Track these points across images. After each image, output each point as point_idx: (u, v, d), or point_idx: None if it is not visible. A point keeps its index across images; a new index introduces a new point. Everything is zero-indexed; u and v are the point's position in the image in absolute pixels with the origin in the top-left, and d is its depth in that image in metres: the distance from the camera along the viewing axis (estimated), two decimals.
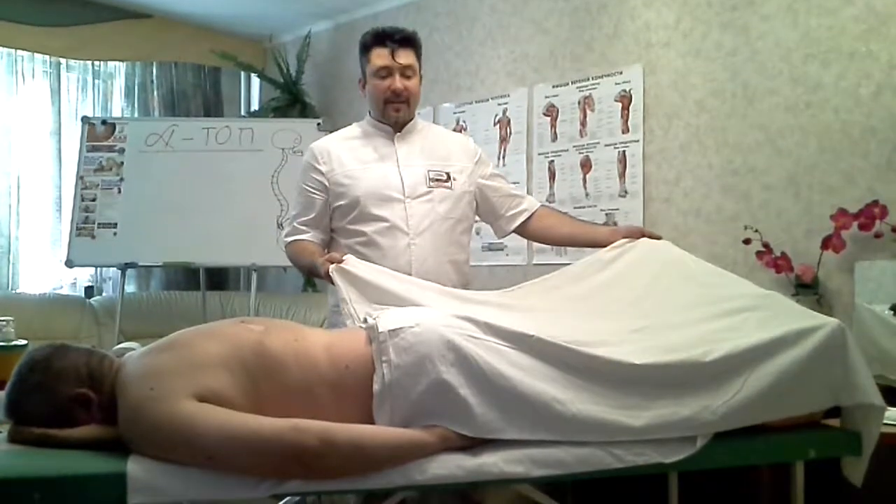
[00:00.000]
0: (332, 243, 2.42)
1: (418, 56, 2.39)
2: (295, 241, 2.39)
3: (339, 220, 2.37)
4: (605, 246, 2.21)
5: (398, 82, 2.34)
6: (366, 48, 2.37)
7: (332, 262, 1.97)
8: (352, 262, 1.96)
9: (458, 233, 2.43)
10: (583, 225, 2.49)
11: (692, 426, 1.57)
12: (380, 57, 2.33)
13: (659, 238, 2.24)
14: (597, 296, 2.04)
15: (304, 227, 2.39)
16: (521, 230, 2.53)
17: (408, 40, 2.36)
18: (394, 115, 2.38)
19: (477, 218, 2.55)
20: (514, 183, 4.05)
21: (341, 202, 2.35)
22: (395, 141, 2.42)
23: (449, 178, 2.41)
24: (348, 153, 2.40)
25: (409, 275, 2.17)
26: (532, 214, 2.50)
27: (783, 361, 1.62)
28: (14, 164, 4.60)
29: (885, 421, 1.96)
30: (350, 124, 2.53)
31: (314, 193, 2.39)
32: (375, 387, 1.51)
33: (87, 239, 4.13)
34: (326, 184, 2.37)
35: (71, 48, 4.70)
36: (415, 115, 2.47)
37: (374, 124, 2.45)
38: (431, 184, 2.37)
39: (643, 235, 2.23)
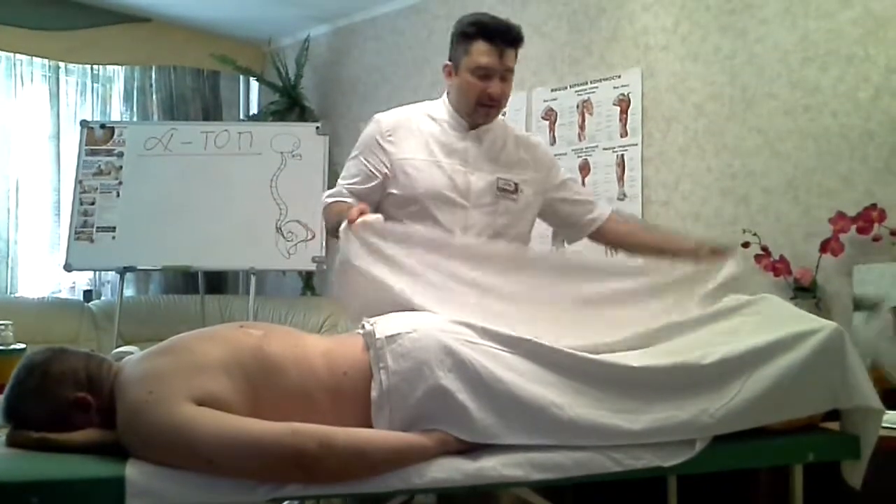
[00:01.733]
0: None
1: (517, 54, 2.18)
2: (337, 201, 2.18)
3: (394, 208, 2.17)
4: (691, 258, 2.01)
5: (498, 87, 2.14)
6: (467, 37, 2.15)
7: (359, 217, 1.82)
8: (376, 226, 1.81)
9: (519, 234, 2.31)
10: (662, 234, 2.33)
11: (690, 430, 1.57)
12: (484, 54, 2.11)
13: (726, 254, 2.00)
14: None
15: (349, 194, 2.18)
16: (594, 237, 2.37)
17: (518, 40, 2.16)
18: (484, 119, 2.20)
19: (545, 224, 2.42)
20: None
21: (399, 192, 2.17)
22: (468, 139, 2.23)
23: (517, 189, 2.24)
24: (418, 139, 2.20)
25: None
26: (604, 222, 2.34)
27: (781, 364, 1.62)
28: (13, 168, 4.59)
29: (883, 424, 1.96)
30: (368, 119, 2.32)
31: (372, 171, 2.19)
32: (374, 393, 1.51)
33: (86, 243, 4.13)
34: (389, 166, 2.18)
35: (70, 52, 4.70)
36: None
37: (452, 114, 2.24)
38: (498, 193, 2.21)
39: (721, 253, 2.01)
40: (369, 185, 2.19)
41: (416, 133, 2.22)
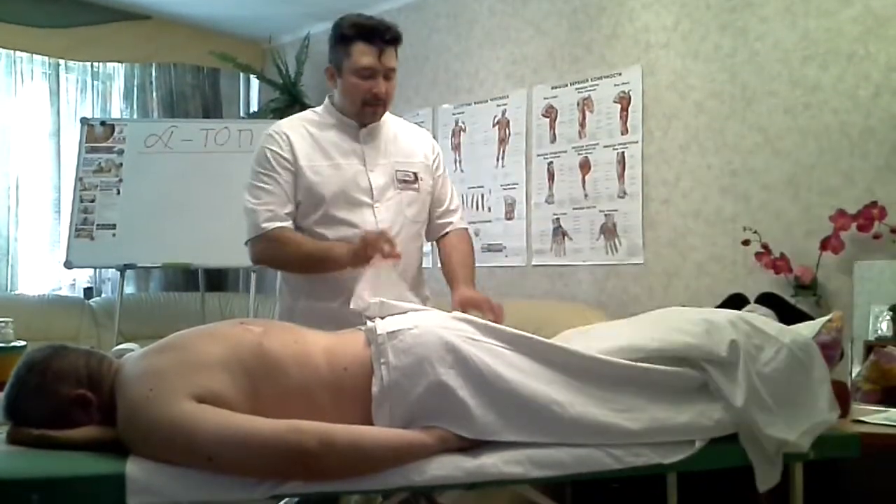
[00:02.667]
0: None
1: (397, 53, 2.19)
2: (277, 229, 2.11)
3: (301, 219, 2.17)
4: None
5: (382, 86, 2.15)
6: (346, 39, 2.13)
7: (378, 251, 1.85)
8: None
9: (421, 235, 2.32)
10: (455, 271, 2.24)
11: (690, 431, 1.57)
12: (364, 55, 2.11)
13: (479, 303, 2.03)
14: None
15: (279, 211, 2.13)
16: (439, 246, 2.37)
17: (396, 39, 2.16)
18: (371, 118, 2.21)
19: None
20: (513, 184, 4.08)
21: (304, 200, 2.16)
22: (361, 137, 2.23)
23: (416, 178, 2.26)
24: (310, 145, 2.19)
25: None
26: (448, 232, 2.35)
27: (777, 370, 1.63)
28: (13, 166, 4.60)
29: (884, 421, 1.96)
30: None
31: (282, 180, 2.14)
32: (374, 388, 1.51)
33: (86, 240, 4.14)
34: (294, 177, 2.16)
35: (70, 49, 4.71)
36: None
37: (339, 117, 2.24)
38: (399, 185, 2.23)
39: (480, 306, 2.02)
40: (289, 198, 2.16)
41: (306, 140, 2.21)
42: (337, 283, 2.04)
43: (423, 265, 2.38)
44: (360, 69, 2.12)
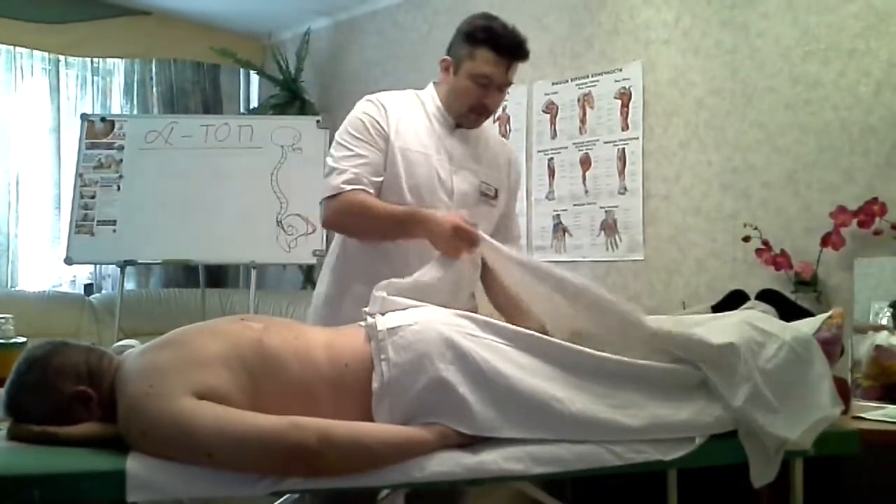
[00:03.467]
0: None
1: None
2: (355, 191, 1.96)
3: (387, 181, 2.04)
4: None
5: (496, 98, 2.08)
6: (475, 41, 2.05)
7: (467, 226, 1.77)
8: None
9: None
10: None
11: (690, 427, 1.57)
12: (489, 64, 2.03)
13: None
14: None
15: (366, 181, 1.98)
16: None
17: (526, 55, 2.11)
18: (471, 125, 2.11)
19: None
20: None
21: (386, 180, 2.03)
22: (455, 136, 2.12)
23: (496, 194, 2.16)
24: (407, 123, 2.07)
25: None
26: None
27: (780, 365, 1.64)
28: (13, 162, 4.59)
29: (883, 418, 1.97)
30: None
31: (374, 148, 2.02)
32: (374, 385, 1.51)
33: (87, 236, 4.13)
34: (386, 152, 2.03)
35: (70, 45, 4.70)
36: None
37: (440, 109, 2.13)
38: (481, 198, 2.12)
39: None
40: (375, 166, 2.01)
41: (411, 120, 2.10)
42: (405, 266, 1.90)
43: None
44: (480, 76, 2.04)
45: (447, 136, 2.11)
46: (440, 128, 2.11)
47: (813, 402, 1.67)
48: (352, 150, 2.02)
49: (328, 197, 2.00)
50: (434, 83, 2.18)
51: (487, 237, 1.83)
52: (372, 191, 1.99)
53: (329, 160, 2.06)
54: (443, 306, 1.71)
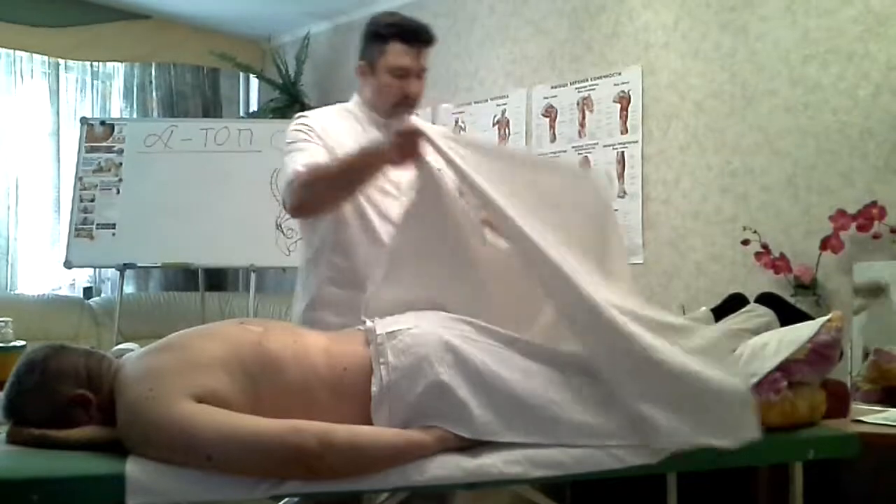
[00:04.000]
0: (308, 228, 2.20)
1: None
2: (308, 165, 2.00)
3: None
4: None
5: (415, 86, 2.14)
6: (381, 38, 2.13)
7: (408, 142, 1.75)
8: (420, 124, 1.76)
9: None
10: None
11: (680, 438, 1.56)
12: (400, 55, 2.11)
13: None
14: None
15: (318, 161, 2.01)
16: None
17: (432, 40, 2.16)
18: (400, 118, 2.08)
19: None
20: None
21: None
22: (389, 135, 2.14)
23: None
24: (344, 135, 2.13)
25: None
26: None
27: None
28: (12, 165, 4.59)
29: (883, 422, 1.97)
30: None
31: (315, 142, 2.09)
32: (373, 388, 1.51)
33: (86, 240, 4.13)
34: (324, 146, 2.08)
35: (70, 49, 4.70)
36: None
37: (366, 111, 2.21)
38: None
39: None
40: (321, 157, 2.05)
41: (340, 128, 2.16)
42: (370, 265, 1.98)
43: None
44: (396, 68, 2.12)
45: (382, 135, 2.10)
46: (374, 131, 2.15)
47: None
48: (300, 150, 2.08)
49: (288, 184, 2.04)
50: (357, 92, 2.26)
51: (429, 128, 1.79)
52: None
53: (284, 170, 2.10)
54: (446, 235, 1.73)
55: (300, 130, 2.13)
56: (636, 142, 3.63)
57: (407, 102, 2.15)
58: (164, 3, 4.81)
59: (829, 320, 1.78)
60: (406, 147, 1.79)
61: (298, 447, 1.34)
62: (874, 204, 2.86)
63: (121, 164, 4.25)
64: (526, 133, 4.06)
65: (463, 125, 4.34)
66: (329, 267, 2.15)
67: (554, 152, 3.93)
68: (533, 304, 1.79)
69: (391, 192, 2.12)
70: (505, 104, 4.16)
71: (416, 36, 2.13)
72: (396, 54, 2.11)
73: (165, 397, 1.37)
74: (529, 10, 4.06)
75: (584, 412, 1.53)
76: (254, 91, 5.61)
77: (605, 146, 3.74)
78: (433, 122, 4.40)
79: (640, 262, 3.59)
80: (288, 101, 4.93)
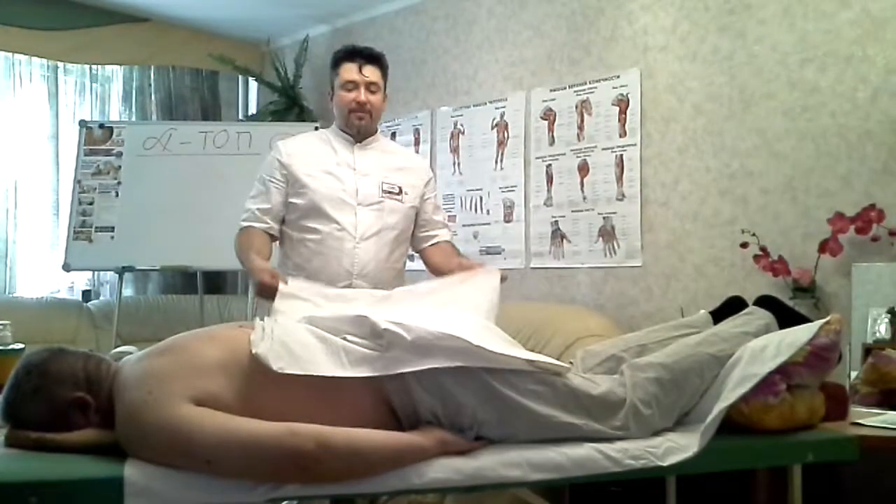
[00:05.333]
0: (283, 236, 2.58)
1: (384, 75, 2.59)
2: (249, 227, 2.52)
3: (294, 214, 2.53)
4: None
5: (363, 95, 2.53)
6: (336, 63, 2.58)
7: (272, 282, 2.07)
8: (293, 287, 2.05)
9: (401, 242, 2.59)
10: (448, 262, 2.51)
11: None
12: (348, 71, 2.53)
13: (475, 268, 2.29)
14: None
15: (261, 215, 2.53)
16: (423, 254, 2.66)
17: (374, 58, 2.57)
18: (357, 124, 2.57)
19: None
20: (512, 187, 4.09)
21: (298, 200, 2.52)
22: (355, 150, 2.59)
23: (401, 191, 2.58)
24: (311, 156, 2.57)
25: (352, 274, 2.45)
26: (436, 244, 2.63)
27: None
28: (11, 168, 4.59)
29: (883, 424, 1.97)
30: None
31: (276, 184, 2.54)
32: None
33: (85, 243, 4.14)
34: (288, 178, 2.54)
35: (69, 52, 4.70)
36: (377, 130, 2.67)
37: (338, 133, 2.63)
38: (384, 195, 2.55)
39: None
40: (275, 201, 2.54)
41: (309, 151, 2.59)
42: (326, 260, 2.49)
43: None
44: (345, 83, 2.55)
45: (348, 152, 2.59)
46: (342, 148, 2.60)
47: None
48: (256, 190, 2.59)
49: (241, 219, 2.57)
50: (335, 121, 2.68)
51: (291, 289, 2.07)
52: (261, 224, 2.53)
53: (250, 193, 2.62)
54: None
55: (267, 168, 2.59)
56: (635, 145, 3.63)
57: (360, 109, 2.55)
58: (163, 6, 4.81)
59: (827, 323, 1.78)
60: (264, 293, 2.12)
61: (296, 450, 1.35)
62: (872, 207, 2.86)
63: (119, 167, 4.25)
64: (525, 136, 4.06)
65: (462, 128, 4.34)
66: (288, 266, 2.55)
67: (553, 155, 3.94)
68: None
69: (349, 202, 2.52)
70: (503, 107, 4.16)
71: (359, 53, 2.56)
72: (345, 71, 2.55)
73: (164, 400, 1.37)
74: (528, 13, 4.07)
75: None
76: (253, 94, 5.61)
77: (603, 149, 3.75)
78: (431, 126, 4.42)
79: (639, 265, 3.59)
80: (287, 104, 4.93)
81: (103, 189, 4.21)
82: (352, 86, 2.54)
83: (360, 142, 2.62)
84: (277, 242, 2.62)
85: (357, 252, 2.48)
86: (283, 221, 2.57)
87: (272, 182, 2.55)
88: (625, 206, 3.65)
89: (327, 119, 4.70)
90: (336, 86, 2.58)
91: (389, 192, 2.57)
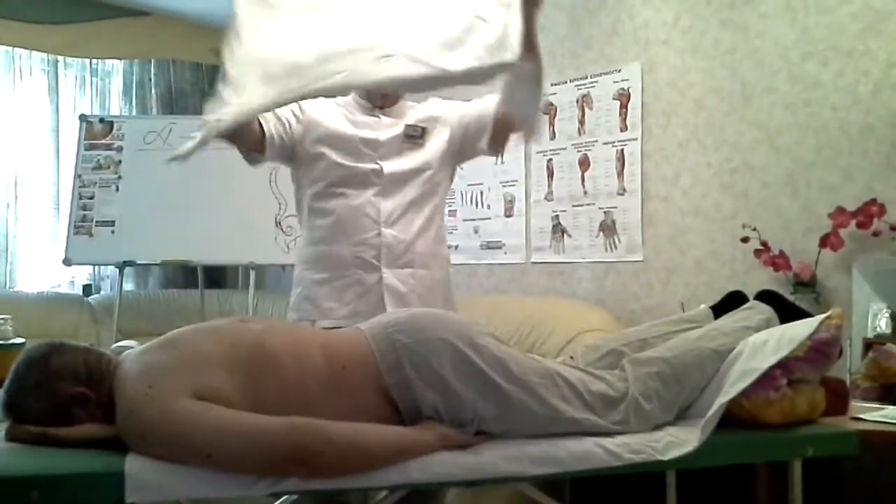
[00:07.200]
0: (300, 203, 2.30)
1: None
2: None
3: (311, 177, 2.24)
4: None
5: None
6: None
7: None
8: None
9: (431, 187, 2.28)
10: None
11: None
12: None
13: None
14: None
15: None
16: (492, 126, 2.32)
17: None
18: (379, 100, 2.28)
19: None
20: (513, 181, 4.08)
21: (312, 149, 2.21)
22: (374, 114, 2.29)
23: (423, 133, 2.30)
24: (331, 113, 2.25)
25: (379, 223, 2.16)
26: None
27: None
28: (12, 163, 4.59)
29: (883, 419, 1.97)
30: None
31: (284, 114, 2.19)
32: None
33: (85, 237, 4.14)
34: (300, 119, 2.20)
35: (69, 46, 4.70)
36: (399, 98, 2.35)
37: (358, 101, 2.31)
38: (405, 141, 2.26)
39: None
40: (287, 118, 2.18)
41: (326, 107, 2.25)
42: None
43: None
44: None
45: (367, 116, 2.27)
46: (359, 112, 2.27)
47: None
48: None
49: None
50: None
51: None
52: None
53: None
54: None
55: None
56: (636, 139, 3.63)
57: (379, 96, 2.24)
58: (163, 0, 4.81)
59: (828, 318, 1.78)
60: None
61: (297, 445, 1.35)
62: (874, 201, 2.85)
63: (120, 161, 4.25)
64: None
65: None
66: (310, 227, 2.26)
67: (553, 150, 3.93)
68: None
69: (370, 152, 2.21)
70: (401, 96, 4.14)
71: None
72: None
73: (165, 395, 1.37)
74: None
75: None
76: None
77: (604, 143, 3.74)
78: None
79: (640, 259, 3.59)
80: None
81: (104, 183, 4.22)
82: None
83: (381, 108, 2.30)
84: (297, 214, 2.36)
85: (382, 200, 2.18)
86: (282, 145, 2.20)
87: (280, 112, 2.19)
88: (626, 200, 3.65)
89: None
90: None
91: (411, 137, 2.27)
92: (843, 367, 2.47)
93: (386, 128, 2.26)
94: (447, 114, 2.38)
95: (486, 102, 2.35)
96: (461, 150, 2.36)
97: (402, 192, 2.22)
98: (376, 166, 2.20)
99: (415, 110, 2.37)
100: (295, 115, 2.21)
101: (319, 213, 2.23)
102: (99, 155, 4.26)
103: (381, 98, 2.28)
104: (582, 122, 3.84)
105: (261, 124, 2.15)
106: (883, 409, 2.09)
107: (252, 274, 4.20)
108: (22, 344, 2.13)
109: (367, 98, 2.29)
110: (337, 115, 2.25)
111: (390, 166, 2.21)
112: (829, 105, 3.07)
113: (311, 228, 2.27)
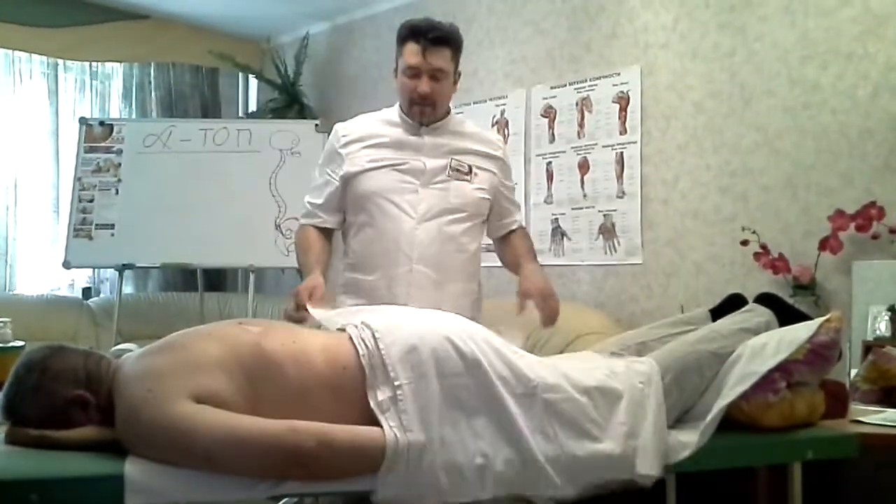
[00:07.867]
0: (344, 223, 2.35)
1: (455, 56, 2.26)
2: (305, 226, 2.32)
3: (352, 198, 2.28)
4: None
5: (425, 85, 2.19)
6: (400, 40, 2.24)
7: (307, 300, 1.96)
8: (317, 314, 1.91)
9: (469, 225, 2.30)
10: (519, 256, 2.37)
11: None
12: (411, 54, 2.20)
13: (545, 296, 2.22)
14: None
15: (316, 211, 2.31)
16: (495, 244, 2.49)
17: (442, 39, 2.22)
18: (418, 117, 2.26)
19: None
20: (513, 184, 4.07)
21: (357, 187, 2.25)
22: (421, 134, 2.28)
23: (471, 170, 2.29)
24: (372, 144, 2.28)
25: (411, 259, 2.17)
26: (506, 234, 2.44)
27: None
28: (11, 165, 4.59)
29: (883, 422, 1.97)
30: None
31: (332, 176, 2.29)
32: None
33: (85, 240, 4.14)
34: (344, 169, 2.26)
35: (68, 49, 4.70)
36: (448, 112, 2.34)
37: (402, 116, 2.31)
38: (451, 173, 2.26)
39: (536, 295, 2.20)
40: (328, 195, 2.30)
41: (370, 138, 2.28)
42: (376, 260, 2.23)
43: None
44: (406, 68, 2.21)
45: (413, 137, 2.28)
46: (407, 134, 2.28)
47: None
48: (315, 181, 2.36)
49: (303, 213, 2.37)
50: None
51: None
52: (317, 220, 2.31)
53: (311, 183, 2.40)
54: None
55: (324, 158, 2.36)
56: (635, 142, 3.63)
57: (421, 102, 2.22)
58: (162, 2, 4.81)
59: (827, 321, 1.78)
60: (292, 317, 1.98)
61: (297, 447, 1.35)
62: (873, 204, 2.86)
63: (120, 164, 4.25)
64: (525, 133, 4.06)
65: None
66: (349, 254, 2.33)
67: (553, 153, 3.93)
68: None
69: (411, 182, 2.23)
70: (504, 104, 4.16)
71: (423, 34, 2.20)
72: (408, 54, 2.21)
73: (164, 398, 1.37)
74: (528, 10, 4.06)
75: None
76: (253, 91, 5.61)
77: (604, 147, 3.74)
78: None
79: (639, 262, 3.59)
80: (287, 101, 4.93)
81: (103, 186, 4.21)
82: (413, 72, 2.20)
83: (427, 126, 2.28)
84: (341, 232, 2.39)
85: (417, 234, 2.18)
86: (341, 211, 2.31)
87: (328, 173, 2.30)
88: (625, 203, 3.65)
89: (328, 117, 4.71)
90: (399, 67, 2.25)
91: (457, 171, 2.26)
92: (843, 370, 2.47)
93: (429, 157, 2.26)
94: (496, 172, 2.39)
95: (516, 218, 2.47)
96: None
97: (438, 222, 2.23)
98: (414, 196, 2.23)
99: (464, 137, 2.36)
100: (338, 172, 2.29)
101: (355, 239, 2.30)
102: (99, 158, 4.26)
103: (419, 116, 2.27)
104: (581, 126, 3.84)
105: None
106: (882, 411, 2.09)
107: (252, 277, 4.20)
108: (21, 347, 2.13)
109: (409, 116, 2.29)
110: (378, 141, 2.28)
111: (430, 197, 2.24)
112: (828, 108, 3.08)
113: (346, 254, 2.35)
